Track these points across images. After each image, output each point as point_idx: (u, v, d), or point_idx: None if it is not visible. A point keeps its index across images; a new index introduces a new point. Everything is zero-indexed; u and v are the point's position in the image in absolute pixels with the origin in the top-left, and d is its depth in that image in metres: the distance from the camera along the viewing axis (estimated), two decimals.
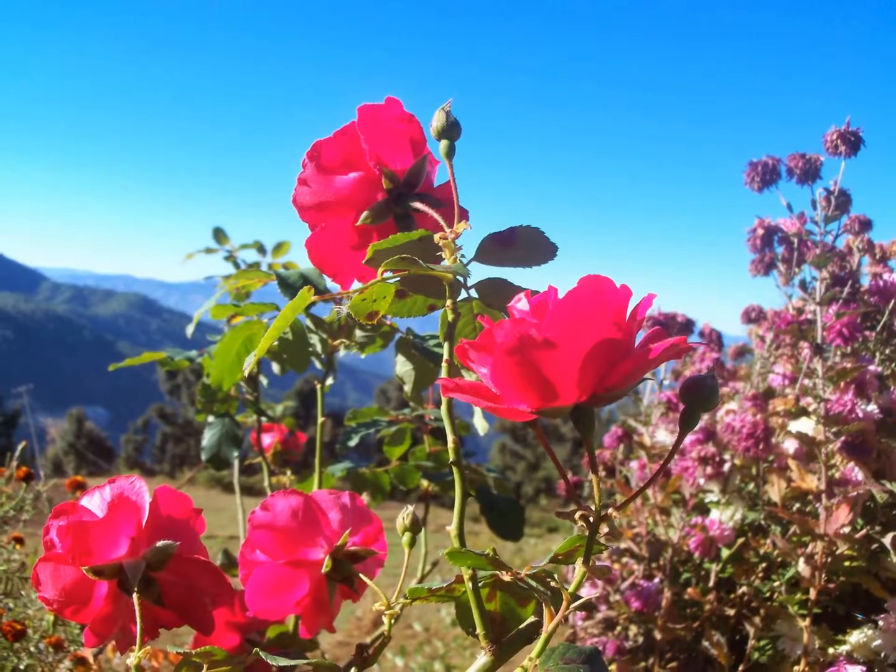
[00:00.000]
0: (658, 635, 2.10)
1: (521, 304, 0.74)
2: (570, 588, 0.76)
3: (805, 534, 1.90)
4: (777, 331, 2.25)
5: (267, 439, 2.17)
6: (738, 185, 2.14)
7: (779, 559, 2.04)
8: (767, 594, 2.07)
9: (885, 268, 2.22)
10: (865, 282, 2.15)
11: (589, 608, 2.30)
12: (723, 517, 2.13)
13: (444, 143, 0.96)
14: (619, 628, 2.26)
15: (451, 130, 0.96)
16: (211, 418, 1.87)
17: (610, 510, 0.74)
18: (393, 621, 0.97)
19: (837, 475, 1.86)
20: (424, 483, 1.86)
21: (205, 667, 0.96)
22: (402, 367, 1.53)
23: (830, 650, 1.80)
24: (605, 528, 0.75)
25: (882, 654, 1.74)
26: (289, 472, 1.97)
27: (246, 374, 1.18)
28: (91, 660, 1.96)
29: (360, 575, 1.09)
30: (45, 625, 1.92)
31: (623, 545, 2.33)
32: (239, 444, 1.84)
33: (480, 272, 0.97)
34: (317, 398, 1.69)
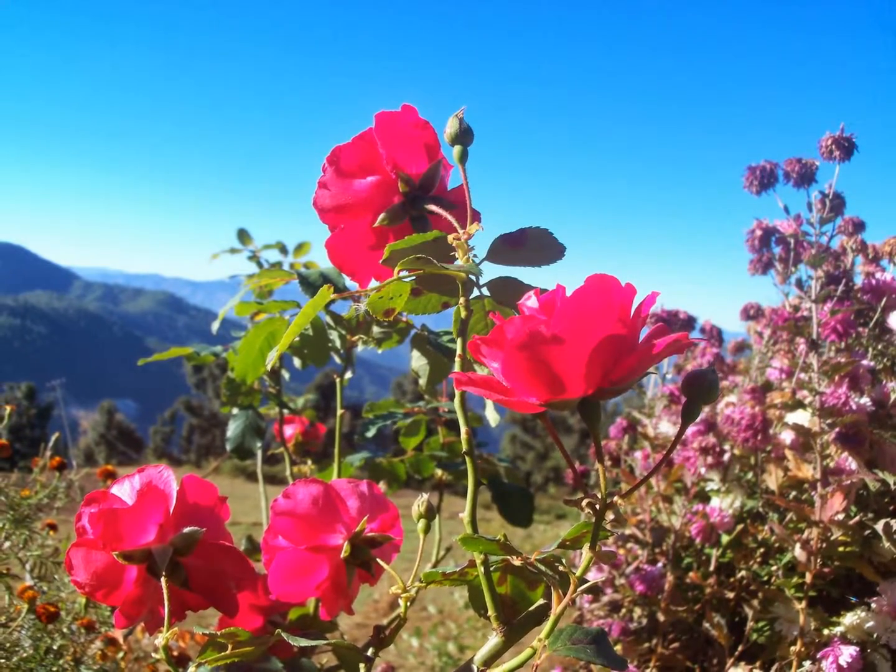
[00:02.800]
0: (661, 617, 2.10)
1: (530, 301, 0.74)
2: (578, 572, 0.76)
3: (801, 520, 1.90)
4: (775, 327, 2.25)
5: (288, 430, 2.17)
6: (738, 188, 2.14)
7: (776, 545, 2.04)
8: (765, 578, 2.07)
9: (878, 267, 2.22)
10: (859, 280, 2.15)
11: (595, 591, 2.30)
12: (723, 505, 2.12)
13: (457, 148, 0.96)
14: (624, 610, 2.26)
15: (464, 136, 0.96)
16: (235, 410, 1.87)
17: (615, 498, 0.74)
18: (409, 604, 0.97)
19: (832, 465, 1.86)
20: (438, 472, 1.86)
21: (229, 647, 0.97)
22: (418, 361, 1.54)
23: (825, 631, 1.80)
24: (610, 515, 0.75)
25: (875, 636, 1.74)
26: (309, 462, 1.98)
27: (269, 368, 1.18)
28: (121, 640, 1.96)
29: (378, 560, 1.09)
30: (77, 607, 1.92)
31: (628, 531, 2.33)
32: (262, 435, 1.84)
33: (492, 271, 0.97)
34: (336, 391, 1.69)
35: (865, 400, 1.84)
